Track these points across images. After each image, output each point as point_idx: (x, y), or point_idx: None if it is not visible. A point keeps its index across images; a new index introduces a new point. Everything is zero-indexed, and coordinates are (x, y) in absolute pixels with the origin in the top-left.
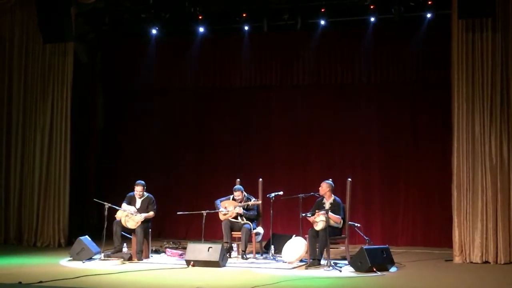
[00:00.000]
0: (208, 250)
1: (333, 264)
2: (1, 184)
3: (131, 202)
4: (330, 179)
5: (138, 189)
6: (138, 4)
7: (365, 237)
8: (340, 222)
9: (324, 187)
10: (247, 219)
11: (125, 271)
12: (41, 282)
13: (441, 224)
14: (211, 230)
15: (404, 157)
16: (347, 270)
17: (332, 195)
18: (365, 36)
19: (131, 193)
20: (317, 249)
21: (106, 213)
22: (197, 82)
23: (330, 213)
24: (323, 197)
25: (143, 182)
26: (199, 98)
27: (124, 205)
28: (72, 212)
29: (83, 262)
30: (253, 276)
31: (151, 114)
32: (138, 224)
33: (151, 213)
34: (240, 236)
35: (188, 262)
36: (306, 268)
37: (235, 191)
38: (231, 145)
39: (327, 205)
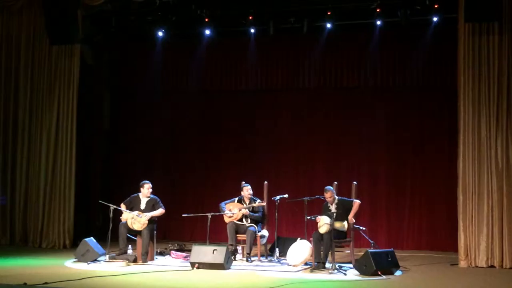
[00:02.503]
0: (213, 253)
1: (338, 268)
2: (7, 185)
3: (134, 202)
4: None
5: (146, 187)
6: (144, 6)
7: (370, 240)
8: (345, 226)
9: (327, 196)
10: (253, 221)
11: (130, 273)
12: (46, 283)
13: (446, 228)
14: (216, 233)
15: (410, 161)
16: (352, 274)
17: (336, 197)
18: (371, 39)
19: (134, 194)
20: (322, 252)
21: (111, 214)
22: (202, 85)
23: (335, 223)
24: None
25: (148, 181)
26: (205, 100)
27: (122, 205)
28: (77, 213)
29: (88, 264)
30: (258, 279)
31: (157, 116)
32: (144, 226)
33: (160, 210)
34: (245, 238)
35: (192, 265)
36: (311, 271)
37: (245, 187)
38: (237, 148)
39: (332, 208)
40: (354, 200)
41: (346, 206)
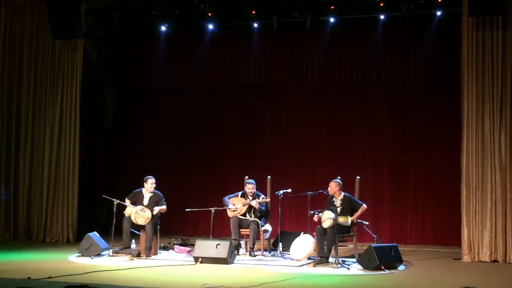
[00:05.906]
0: (216, 247)
1: (341, 262)
2: (10, 180)
3: (137, 197)
4: (338, 177)
5: (150, 182)
6: (148, 1)
7: (373, 235)
8: (348, 221)
9: (333, 187)
10: (256, 215)
11: (134, 267)
12: (50, 277)
13: (450, 222)
14: (219, 227)
15: (414, 155)
16: (355, 268)
17: (342, 192)
18: (375, 33)
19: (137, 190)
20: (325, 247)
21: (114, 209)
22: (206, 80)
23: (339, 218)
24: (333, 195)
25: (152, 176)
26: (208, 95)
27: (126, 200)
28: (81, 208)
29: (92, 258)
30: (261, 273)
31: (160, 111)
32: (148, 221)
33: (164, 207)
34: (248, 233)
35: (196, 259)
36: (314, 266)
37: (248, 184)
38: (240, 143)
39: (337, 203)
40: (362, 204)
41: (351, 205)
